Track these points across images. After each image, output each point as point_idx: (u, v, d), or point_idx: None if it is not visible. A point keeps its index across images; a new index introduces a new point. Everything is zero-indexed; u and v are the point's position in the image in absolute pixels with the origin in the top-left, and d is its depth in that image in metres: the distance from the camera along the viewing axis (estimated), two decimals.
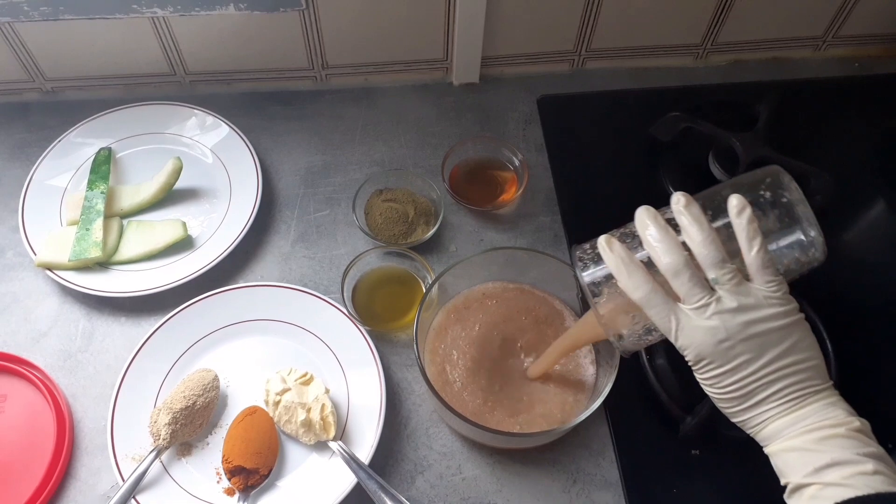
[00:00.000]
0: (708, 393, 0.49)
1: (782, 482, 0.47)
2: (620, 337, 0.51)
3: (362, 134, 0.89)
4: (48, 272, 0.74)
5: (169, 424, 0.63)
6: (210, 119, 0.86)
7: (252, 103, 0.90)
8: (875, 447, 0.45)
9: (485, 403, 0.65)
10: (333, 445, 0.64)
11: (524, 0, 0.84)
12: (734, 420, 0.49)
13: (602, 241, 0.50)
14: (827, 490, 0.43)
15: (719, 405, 0.49)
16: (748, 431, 0.49)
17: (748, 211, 0.47)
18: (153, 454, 0.63)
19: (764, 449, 0.48)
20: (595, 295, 0.51)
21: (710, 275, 0.46)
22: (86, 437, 0.67)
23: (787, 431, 0.46)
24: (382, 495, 0.60)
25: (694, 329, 0.46)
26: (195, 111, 0.86)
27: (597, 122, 0.91)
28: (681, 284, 0.46)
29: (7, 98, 0.91)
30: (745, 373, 0.46)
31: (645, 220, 0.48)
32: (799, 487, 0.45)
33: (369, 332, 0.70)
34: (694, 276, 0.46)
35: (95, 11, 0.78)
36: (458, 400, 0.65)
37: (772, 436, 0.47)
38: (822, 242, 0.49)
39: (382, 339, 0.72)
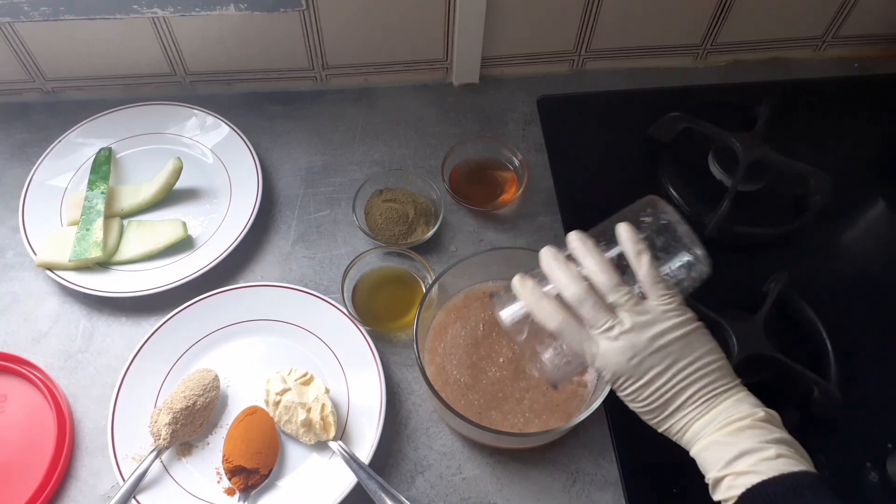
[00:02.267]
0: (632, 408, 0.51)
1: (706, 480, 0.49)
2: (545, 368, 0.54)
3: (362, 134, 0.89)
4: (48, 272, 0.74)
5: (169, 424, 0.63)
6: (210, 119, 0.86)
7: (252, 103, 0.91)
8: (779, 433, 0.48)
9: (485, 403, 0.65)
10: (333, 445, 0.64)
11: (524, 0, 0.84)
12: (660, 430, 0.51)
13: (516, 280, 0.53)
14: (739, 479, 0.46)
15: (644, 418, 0.51)
16: (674, 439, 0.51)
17: (633, 233, 0.51)
18: (153, 454, 0.63)
19: (690, 453, 0.51)
20: (519, 333, 0.54)
21: (610, 299, 0.49)
22: (86, 437, 0.67)
23: (703, 431, 0.49)
24: (382, 495, 0.60)
25: (605, 351, 0.49)
26: (195, 111, 0.86)
27: (597, 122, 0.91)
28: (586, 311, 0.49)
29: (7, 98, 0.91)
30: (658, 383, 0.49)
31: (548, 258, 0.52)
32: (717, 481, 0.48)
33: (369, 332, 0.70)
34: (597, 304, 0.49)
35: (96, 11, 0.78)
36: (458, 400, 0.65)
37: (692, 438, 0.49)
38: (705, 257, 0.52)
39: (382, 339, 0.72)
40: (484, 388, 0.65)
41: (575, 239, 0.52)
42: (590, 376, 0.66)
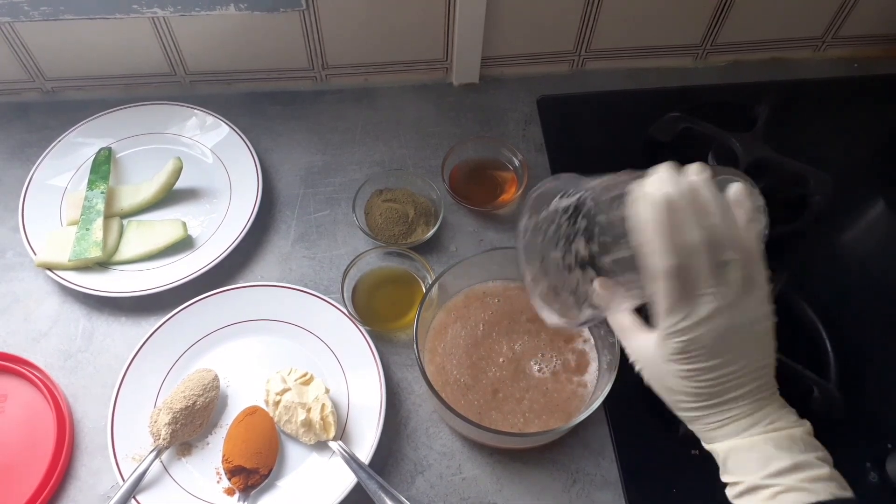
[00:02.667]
0: (677, 386, 0.46)
1: (730, 479, 0.47)
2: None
3: (362, 134, 0.89)
4: (48, 272, 0.74)
5: (169, 424, 0.63)
6: (210, 119, 0.86)
7: (252, 103, 0.91)
8: (822, 450, 0.46)
9: (485, 403, 0.65)
10: (333, 445, 0.64)
11: (524, 0, 0.84)
12: (692, 415, 0.47)
13: (651, 182, 0.42)
14: (788, 495, 0.43)
15: (686, 398, 0.46)
16: (697, 427, 0.48)
17: (749, 196, 0.44)
18: (153, 454, 0.63)
19: (709, 445, 0.48)
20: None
21: (725, 256, 0.42)
22: (86, 437, 0.67)
23: (746, 432, 0.46)
24: (382, 495, 0.60)
25: (705, 316, 0.42)
26: (195, 111, 0.86)
27: (596, 122, 0.91)
28: (699, 264, 0.41)
29: (7, 98, 0.91)
30: (729, 369, 0.44)
31: (672, 178, 0.43)
32: (755, 488, 0.45)
33: (369, 332, 0.70)
34: (711, 260, 0.41)
35: (96, 11, 0.78)
36: (458, 400, 0.65)
37: (728, 434, 0.46)
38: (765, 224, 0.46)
39: (382, 339, 0.72)
40: (484, 388, 0.65)
41: (698, 172, 0.43)
42: (589, 377, 0.66)
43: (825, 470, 0.44)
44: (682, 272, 0.41)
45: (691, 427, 0.49)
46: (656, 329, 0.46)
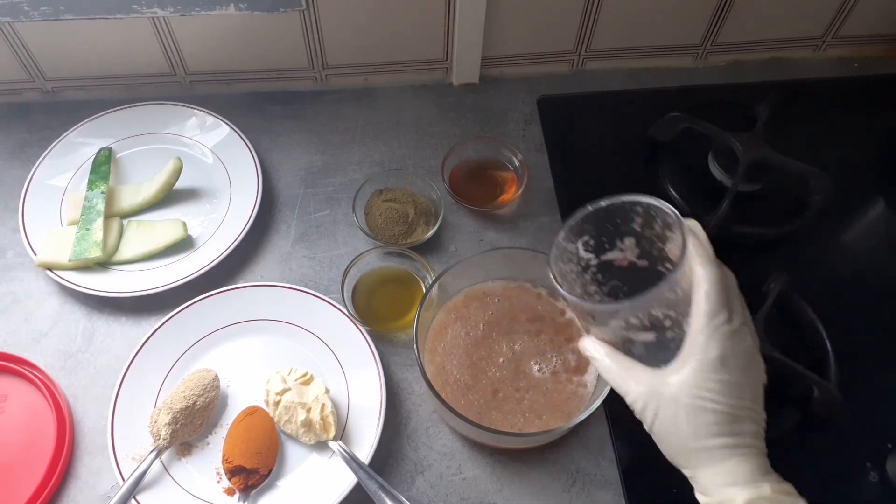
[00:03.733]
0: (689, 417, 0.46)
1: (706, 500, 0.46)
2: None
3: (362, 134, 0.89)
4: (48, 272, 0.74)
5: (169, 424, 0.63)
6: (210, 119, 0.86)
7: (252, 103, 0.91)
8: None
9: (485, 403, 0.65)
10: (333, 445, 0.64)
11: (524, 0, 0.84)
12: (700, 454, 0.46)
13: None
14: None
15: (699, 425, 0.45)
16: (703, 472, 0.46)
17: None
18: (153, 454, 0.63)
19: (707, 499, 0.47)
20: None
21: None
22: (86, 437, 0.67)
23: (750, 481, 0.45)
24: (382, 495, 0.60)
25: (738, 324, 0.46)
26: (195, 111, 0.86)
27: (596, 122, 0.91)
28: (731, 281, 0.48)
29: (7, 98, 0.91)
30: (749, 392, 0.46)
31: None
32: None
33: (369, 332, 0.70)
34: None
35: (96, 11, 0.78)
36: (458, 400, 0.65)
37: (734, 478, 0.45)
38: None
39: (382, 339, 0.72)
40: (484, 388, 0.65)
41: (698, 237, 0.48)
42: (589, 377, 0.66)
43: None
44: (723, 281, 0.46)
45: (696, 476, 0.47)
46: (672, 361, 0.47)
